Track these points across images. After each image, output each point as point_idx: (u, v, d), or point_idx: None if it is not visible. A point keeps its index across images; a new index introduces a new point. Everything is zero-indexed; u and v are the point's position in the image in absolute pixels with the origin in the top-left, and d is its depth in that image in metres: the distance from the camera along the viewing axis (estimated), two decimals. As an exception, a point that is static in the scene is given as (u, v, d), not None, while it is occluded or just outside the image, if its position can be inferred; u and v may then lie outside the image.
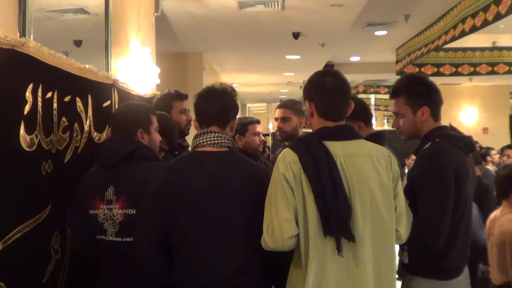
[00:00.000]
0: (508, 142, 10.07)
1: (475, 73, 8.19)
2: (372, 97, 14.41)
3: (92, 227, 2.10)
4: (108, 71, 2.99)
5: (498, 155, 6.81)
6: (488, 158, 6.21)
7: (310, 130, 1.94)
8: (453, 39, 5.86)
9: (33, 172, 1.84)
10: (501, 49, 7.94)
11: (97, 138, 2.46)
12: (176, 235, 1.89)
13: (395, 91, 2.15)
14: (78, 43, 2.81)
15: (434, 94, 2.11)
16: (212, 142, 1.92)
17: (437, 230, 1.90)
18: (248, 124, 3.14)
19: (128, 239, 2.02)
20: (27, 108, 1.76)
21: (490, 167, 6.05)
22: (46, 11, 2.38)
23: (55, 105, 2.00)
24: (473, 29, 5.18)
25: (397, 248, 1.89)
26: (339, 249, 1.68)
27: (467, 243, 2.09)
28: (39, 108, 1.85)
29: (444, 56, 8.06)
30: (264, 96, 15.14)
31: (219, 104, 1.96)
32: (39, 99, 1.85)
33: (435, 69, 8.09)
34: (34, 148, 1.81)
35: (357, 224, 1.72)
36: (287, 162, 1.75)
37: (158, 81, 3.80)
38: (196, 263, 1.85)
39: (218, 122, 1.96)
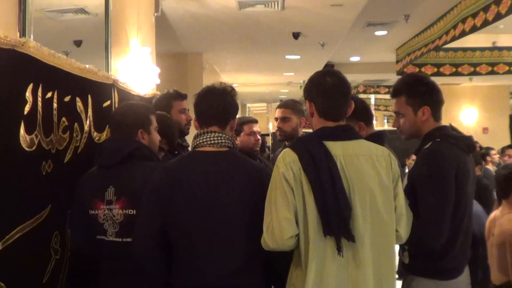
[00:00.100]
0: (508, 142, 10.08)
1: (475, 73, 8.19)
2: (372, 97, 14.40)
3: (92, 228, 2.10)
4: (108, 71, 2.99)
5: (498, 155, 6.82)
6: (488, 158, 6.21)
7: (310, 130, 1.94)
8: (454, 39, 5.86)
9: (33, 172, 1.84)
10: (501, 49, 7.95)
11: (97, 138, 2.46)
12: (176, 235, 1.89)
13: (396, 91, 2.15)
14: (78, 43, 2.81)
15: (435, 94, 2.11)
16: (212, 142, 1.92)
17: (438, 230, 1.90)
18: (243, 124, 3.15)
19: (128, 240, 2.02)
20: (27, 108, 1.76)
21: (490, 167, 6.05)
22: (46, 11, 2.38)
23: (55, 105, 2.00)
24: (473, 29, 5.18)
25: (397, 248, 1.89)
26: (339, 249, 1.68)
27: (468, 242, 2.09)
28: (39, 108, 1.85)
29: (444, 56, 8.06)
30: (264, 96, 15.15)
31: (219, 104, 1.96)
32: (39, 99, 1.85)
33: (435, 69, 8.10)
34: (34, 148, 1.81)
35: (357, 224, 1.71)
36: (287, 162, 1.74)
37: (158, 81, 3.80)
38: (196, 263, 1.85)
39: (218, 122, 1.96)
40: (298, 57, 8.59)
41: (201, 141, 1.94)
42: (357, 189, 1.73)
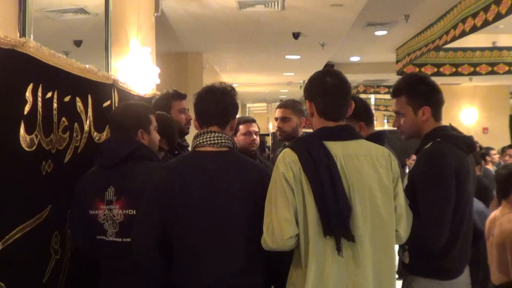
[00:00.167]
0: (508, 142, 10.09)
1: (475, 73, 8.19)
2: (372, 97, 14.39)
3: (92, 228, 2.09)
4: (108, 71, 2.99)
5: (498, 155, 6.82)
6: (488, 158, 6.21)
7: (310, 130, 1.94)
8: (454, 39, 5.86)
9: (33, 172, 1.84)
10: (501, 49, 7.95)
11: (97, 138, 2.46)
12: (176, 235, 1.89)
13: (397, 90, 2.15)
14: (78, 43, 2.80)
15: (436, 94, 2.11)
16: (212, 142, 1.92)
17: (438, 230, 1.90)
18: (239, 123, 3.13)
19: (128, 240, 2.01)
20: (27, 108, 1.76)
21: (490, 167, 6.05)
22: (46, 11, 2.38)
23: (55, 105, 2.00)
24: (474, 29, 5.18)
25: (397, 248, 1.89)
26: (339, 249, 1.68)
27: (468, 243, 2.09)
28: (39, 108, 1.85)
29: (444, 56, 8.06)
30: (264, 96, 15.14)
31: (218, 104, 1.96)
32: (39, 99, 1.85)
33: (435, 69, 8.09)
34: (34, 148, 1.81)
35: (356, 224, 1.71)
36: (287, 162, 1.74)
37: (158, 81, 3.80)
38: (196, 263, 1.85)
39: (218, 122, 1.96)
40: (298, 57, 8.58)
41: (201, 141, 1.94)
42: (357, 189, 1.73)
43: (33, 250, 1.83)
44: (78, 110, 2.26)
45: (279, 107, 3.14)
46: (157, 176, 1.93)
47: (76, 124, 2.22)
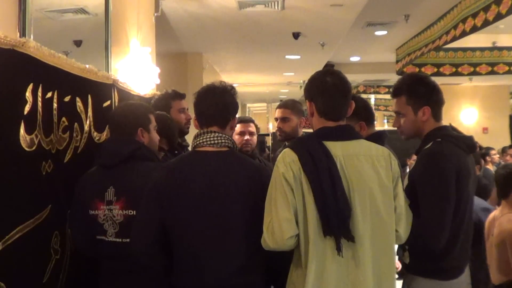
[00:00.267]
0: (508, 142, 10.10)
1: (475, 73, 8.18)
2: (372, 97, 14.39)
3: (92, 228, 2.09)
4: (108, 71, 2.99)
5: (497, 155, 6.82)
6: (488, 158, 6.21)
7: (310, 130, 1.94)
8: (454, 39, 5.85)
9: (33, 172, 1.84)
10: (501, 49, 7.94)
11: (97, 138, 2.46)
12: (176, 235, 1.89)
13: (397, 90, 2.15)
14: (78, 43, 2.80)
15: (436, 94, 2.11)
16: (212, 142, 1.92)
17: (439, 230, 1.90)
18: None
19: (128, 240, 2.01)
20: (27, 108, 1.76)
21: (490, 167, 6.05)
22: (46, 11, 2.38)
23: (55, 105, 2.00)
24: (474, 29, 5.18)
25: (397, 248, 1.89)
26: (339, 249, 1.68)
27: (468, 242, 2.09)
28: (39, 108, 1.85)
29: (444, 56, 8.05)
30: (264, 96, 15.14)
31: (218, 104, 1.96)
32: (39, 99, 1.85)
33: (435, 69, 8.09)
34: (34, 148, 1.81)
35: (356, 224, 1.71)
36: (287, 162, 1.74)
37: (158, 81, 3.80)
38: (196, 263, 1.85)
39: (218, 122, 1.96)
40: (298, 57, 8.59)
41: (201, 141, 1.94)
42: (356, 189, 1.73)
43: (33, 250, 1.83)
44: (78, 110, 2.26)
45: (279, 107, 3.14)
46: (157, 175, 1.93)
47: (76, 124, 2.22)
